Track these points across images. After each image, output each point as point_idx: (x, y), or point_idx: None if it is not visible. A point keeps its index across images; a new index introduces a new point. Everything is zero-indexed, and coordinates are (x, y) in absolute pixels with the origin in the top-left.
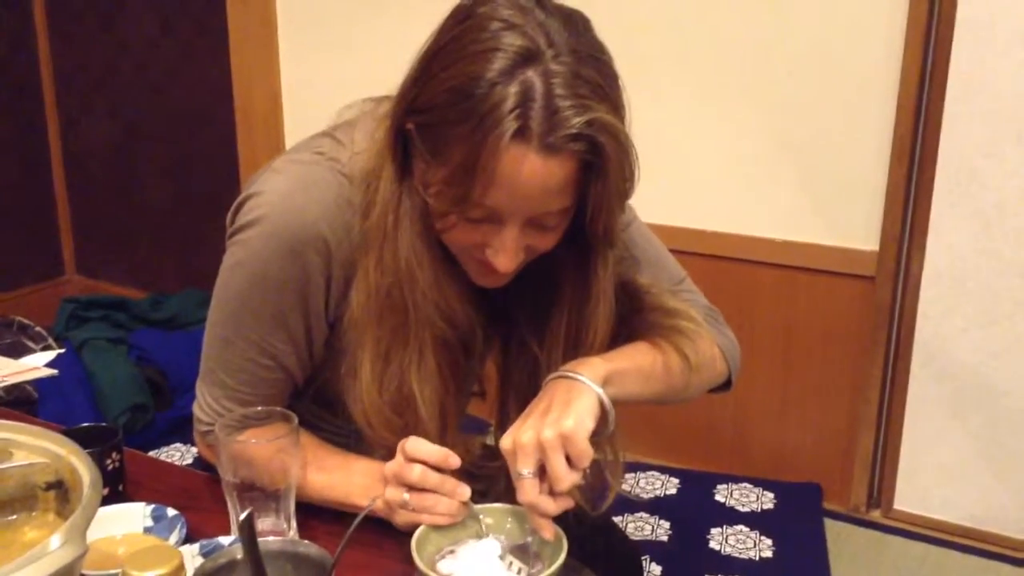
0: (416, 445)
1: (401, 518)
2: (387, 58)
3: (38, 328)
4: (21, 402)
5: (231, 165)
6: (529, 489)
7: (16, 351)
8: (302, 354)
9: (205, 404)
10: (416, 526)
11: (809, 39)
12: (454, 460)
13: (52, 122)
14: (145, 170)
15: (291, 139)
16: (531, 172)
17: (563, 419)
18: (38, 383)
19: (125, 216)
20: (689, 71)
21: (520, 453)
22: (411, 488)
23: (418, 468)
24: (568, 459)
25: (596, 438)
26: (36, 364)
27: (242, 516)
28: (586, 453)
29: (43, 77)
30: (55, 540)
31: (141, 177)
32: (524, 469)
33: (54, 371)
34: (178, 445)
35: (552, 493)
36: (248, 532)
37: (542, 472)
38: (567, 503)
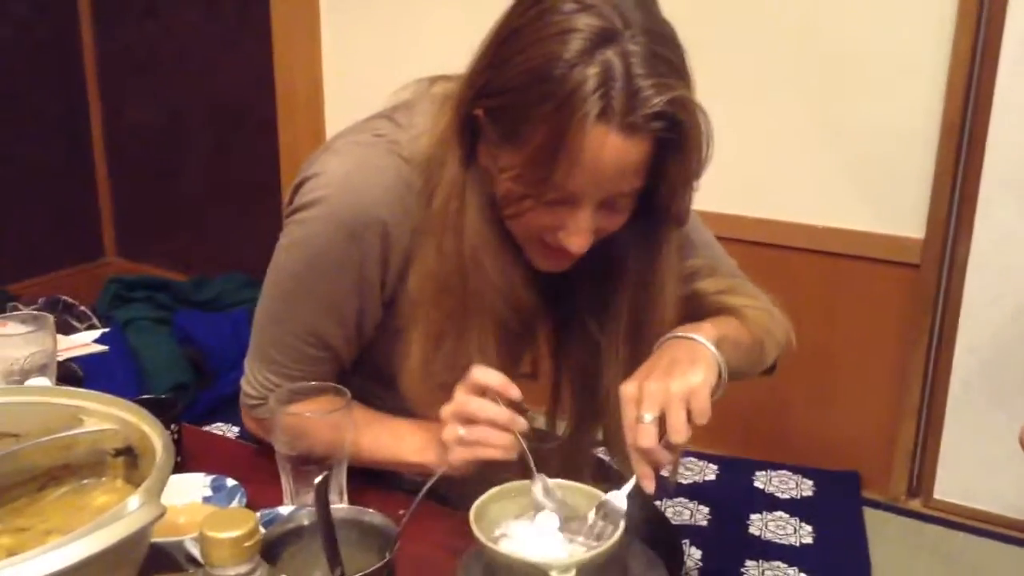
0: (481, 372)
1: (456, 455)
2: (429, 45)
3: (82, 307)
4: (67, 379)
5: (272, 152)
6: (650, 434)
7: (61, 330)
8: (351, 337)
9: (253, 379)
10: (471, 466)
11: (856, 20)
12: (515, 391)
13: (95, 106)
14: (186, 155)
15: (332, 126)
16: (613, 152)
17: (692, 375)
18: (82, 361)
19: (165, 201)
20: (732, 55)
21: (648, 400)
22: (468, 422)
23: (476, 399)
24: (688, 415)
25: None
26: (86, 341)
27: (317, 480)
28: (707, 410)
29: (86, 62)
30: (134, 501)
31: (182, 162)
32: (648, 415)
33: (104, 347)
34: (220, 424)
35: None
36: (322, 494)
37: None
38: (674, 458)
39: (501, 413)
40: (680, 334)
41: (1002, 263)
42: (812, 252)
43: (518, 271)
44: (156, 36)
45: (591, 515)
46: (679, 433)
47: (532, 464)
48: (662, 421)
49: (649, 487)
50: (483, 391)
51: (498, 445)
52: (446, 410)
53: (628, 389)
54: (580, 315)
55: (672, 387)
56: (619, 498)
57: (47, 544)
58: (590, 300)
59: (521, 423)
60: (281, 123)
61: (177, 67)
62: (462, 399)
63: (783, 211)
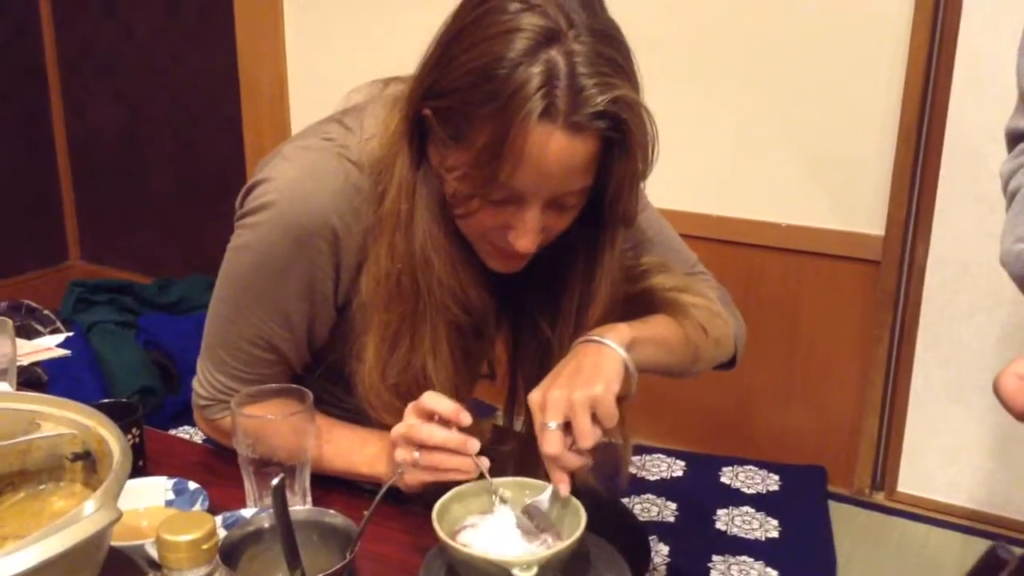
0: (432, 398)
1: (411, 477)
2: (394, 43)
3: (46, 311)
4: (31, 384)
5: (237, 150)
6: (554, 440)
7: (25, 334)
8: (299, 342)
9: (204, 379)
10: (426, 486)
11: (815, 22)
12: (465, 417)
13: (56, 107)
14: (150, 155)
15: (297, 124)
16: (558, 151)
17: (593, 383)
18: (47, 365)
19: (129, 202)
20: (694, 55)
21: (550, 408)
22: (420, 447)
23: (426, 426)
24: (595, 419)
25: (621, 402)
26: (49, 345)
27: (274, 481)
28: (613, 415)
29: (48, 62)
30: (89, 505)
31: (146, 162)
32: (551, 422)
33: (67, 351)
34: (187, 428)
35: (574, 450)
36: (280, 497)
37: (567, 427)
38: (587, 460)
39: (451, 438)
40: (593, 337)
41: (960, 261)
42: (776, 249)
43: (469, 271)
44: (118, 35)
45: (545, 504)
46: (585, 439)
47: (493, 490)
48: (570, 427)
49: (563, 491)
50: (432, 416)
51: (454, 468)
52: (396, 431)
53: (533, 397)
54: (532, 315)
55: (574, 396)
56: (542, 502)
57: (1, 549)
58: (541, 300)
59: (474, 444)
60: (246, 122)
61: (139, 67)
62: (412, 423)
63: (747, 209)
